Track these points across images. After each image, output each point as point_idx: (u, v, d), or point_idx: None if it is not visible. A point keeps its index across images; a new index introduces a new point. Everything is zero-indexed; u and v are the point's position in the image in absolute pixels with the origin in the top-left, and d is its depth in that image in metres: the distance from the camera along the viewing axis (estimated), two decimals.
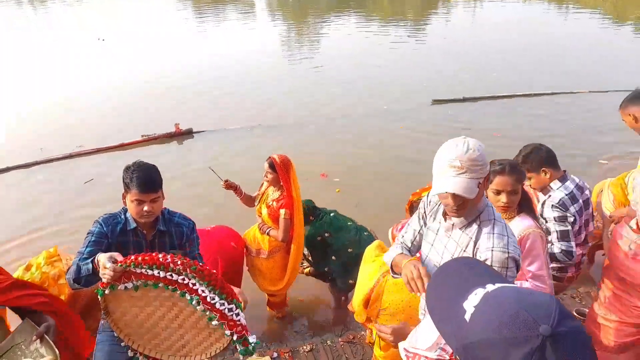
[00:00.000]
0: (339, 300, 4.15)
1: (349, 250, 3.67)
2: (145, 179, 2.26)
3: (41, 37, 15.31)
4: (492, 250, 1.71)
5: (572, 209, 2.70)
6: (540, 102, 8.70)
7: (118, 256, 1.95)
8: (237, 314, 1.95)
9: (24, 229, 5.36)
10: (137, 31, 15.79)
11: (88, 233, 2.34)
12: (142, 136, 7.45)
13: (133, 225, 2.36)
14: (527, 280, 2.30)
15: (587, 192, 2.89)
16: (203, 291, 1.89)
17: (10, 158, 6.94)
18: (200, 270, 1.89)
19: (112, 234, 2.33)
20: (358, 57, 12.18)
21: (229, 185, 3.68)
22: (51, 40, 14.69)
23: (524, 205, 2.36)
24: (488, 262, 1.71)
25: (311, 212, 3.78)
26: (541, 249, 2.26)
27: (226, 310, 1.92)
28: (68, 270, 2.22)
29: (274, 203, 3.52)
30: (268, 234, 3.60)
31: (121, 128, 7.91)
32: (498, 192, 2.29)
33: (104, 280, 1.95)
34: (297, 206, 3.54)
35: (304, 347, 3.56)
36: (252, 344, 2.00)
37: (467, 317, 0.94)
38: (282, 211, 3.47)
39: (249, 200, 3.80)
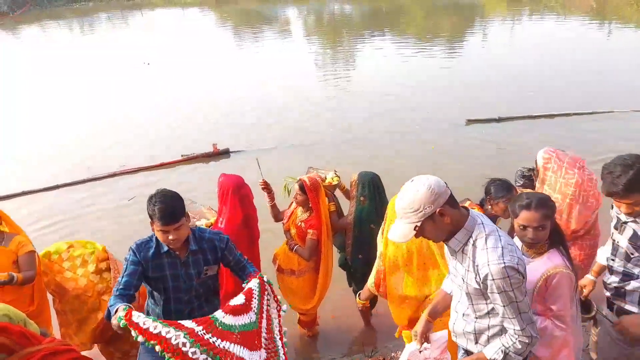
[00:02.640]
0: (368, 320, 4.18)
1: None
2: (166, 212, 2.34)
3: (91, 61, 16.19)
4: (488, 265, 1.79)
5: None
6: (578, 122, 8.52)
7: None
8: None
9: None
10: (180, 54, 16.45)
11: (124, 260, 2.49)
12: (182, 156, 7.76)
13: (165, 248, 2.47)
14: (549, 319, 2.23)
15: None
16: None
17: (60, 176, 7.37)
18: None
19: (144, 260, 2.46)
20: (391, 76, 12.27)
21: (266, 185, 3.76)
22: (100, 64, 15.50)
23: (555, 241, 2.24)
24: (489, 277, 1.79)
25: (375, 188, 3.60)
26: (567, 289, 2.16)
27: None
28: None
29: (303, 224, 3.61)
30: (295, 251, 3.67)
31: (162, 148, 8.26)
32: (524, 228, 2.18)
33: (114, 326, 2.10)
34: (326, 229, 3.60)
35: None
36: None
37: None
38: (310, 231, 3.55)
39: (277, 212, 3.87)
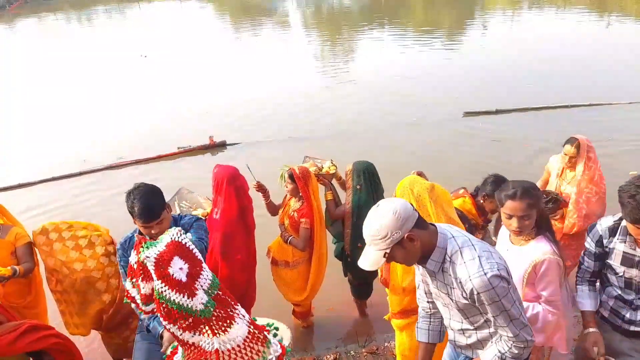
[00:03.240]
0: (363, 311, 4.19)
1: None
2: (145, 210, 2.32)
3: (88, 54, 16.11)
4: (470, 280, 1.75)
5: None
6: (574, 114, 8.50)
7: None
8: None
9: None
10: (177, 47, 16.38)
11: (119, 263, 2.54)
12: (178, 148, 7.75)
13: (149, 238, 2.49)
14: (540, 304, 2.28)
15: None
16: None
17: (57, 168, 7.36)
18: None
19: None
20: (389, 69, 12.22)
21: (260, 187, 3.80)
22: (97, 57, 15.43)
23: (542, 227, 2.26)
24: (475, 292, 1.75)
25: (370, 177, 3.64)
26: (556, 275, 2.19)
27: None
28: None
29: (295, 213, 3.62)
30: (290, 242, 3.68)
31: (159, 141, 8.23)
32: (509, 217, 2.20)
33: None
34: (318, 218, 3.62)
35: (328, 356, 3.62)
36: None
37: None
38: (303, 220, 3.57)
39: (273, 208, 3.91)
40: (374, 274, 3.59)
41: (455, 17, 21.01)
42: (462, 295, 1.83)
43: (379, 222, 1.75)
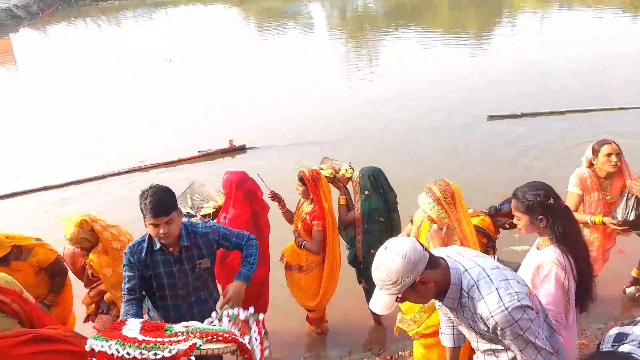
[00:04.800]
0: (378, 318, 4.11)
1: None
2: (156, 204, 2.35)
3: (114, 58, 16.51)
4: (492, 317, 1.68)
5: None
6: (604, 118, 8.21)
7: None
8: None
9: None
10: (202, 50, 16.61)
11: (123, 266, 2.54)
12: (199, 152, 7.82)
13: (158, 245, 2.50)
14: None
15: None
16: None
17: (79, 171, 7.52)
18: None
19: (138, 262, 2.50)
20: (414, 71, 12.11)
21: (275, 196, 3.79)
22: (124, 61, 15.79)
23: (557, 239, 2.20)
24: (498, 328, 1.69)
25: (376, 181, 3.60)
26: (555, 284, 2.14)
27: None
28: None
29: (307, 216, 3.60)
30: (304, 247, 3.65)
31: (180, 144, 8.33)
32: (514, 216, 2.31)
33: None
34: (330, 220, 3.59)
35: None
36: None
37: None
38: (315, 222, 3.55)
39: (290, 216, 3.89)
40: None
41: (482, 18, 20.66)
42: (485, 329, 1.77)
43: (389, 267, 1.66)
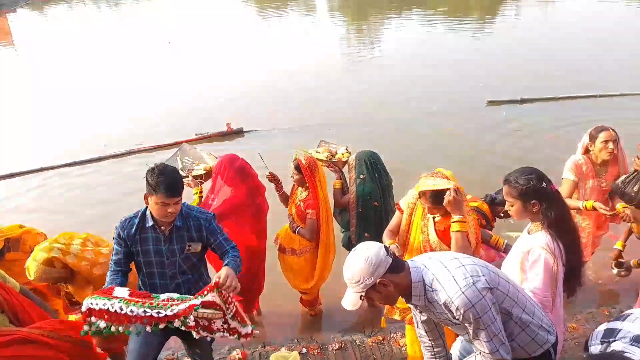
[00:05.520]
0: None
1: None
2: (171, 184, 2.37)
3: (113, 40, 16.35)
4: (453, 302, 1.79)
5: None
6: (605, 104, 8.16)
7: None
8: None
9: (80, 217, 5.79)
10: (201, 32, 16.43)
11: (113, 239, 2.56)
12: (196, 135, 7.79)
13: (151, 222, 2.51)
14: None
15: None
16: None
17: (77, 152, 7.53)
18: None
19: (128, 237, 2.52)
20: (415, 55, 11.98)
21: (273, 177, 3.79)
22: (123, 43, 15.65)
23: (548, 224, 2.22)
24: (458, 312, 1.78)
25: (373, 166, 3.62)
26: (544, 269, 2.16)
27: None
28: None
29: (302, 203, 3.61)
30: (298, 233, 3.68)
31: (177, 127, 8.30)
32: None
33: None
34: (325, 209, 3.60)
35: (333, 345, 3.60)
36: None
37: None
38: (309, 211, 3.56)
39: (286, 199, 3.90)
40: None
41: (486, 3, 20.36)
42: (452, 319, 1.86)
43: (353, 268, 1.86)
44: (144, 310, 1.99)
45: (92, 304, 2.05)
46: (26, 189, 6.80)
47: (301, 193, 3.65)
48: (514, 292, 1.92)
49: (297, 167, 3.53)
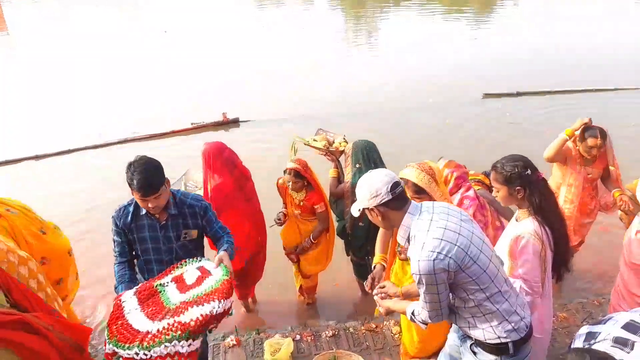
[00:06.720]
0: (365, 290, 4.18)
1: None
2: (144, 183, 2.31)
3: (109, 28, 16.21)
4: (413, 261, 1.91)
5: None
6: (601, 98, 8.20)
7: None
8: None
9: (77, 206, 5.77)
10: (198, 21, 16.34)
11: (111, 231, 2.57)
12: (192, 124, 7.78)
13: (145, 210, 2.50)
14: (520, 279, 2.28)
15: None
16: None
17: (71, 141, 7.47)
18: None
19: (124, 226, 2.53)
20: (413, 48, 11.99)
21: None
22: (119, 31, 15.52)
23: (535, 210, 2.26)
24: (412, 272, 1.92)
25: (369, 155, 3.63)
26: (532, 255, 2.21)
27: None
28: None
29: (305, 202, 3.68)
30: (314, 236, 3.77)
31: (173, 116, 8.26)
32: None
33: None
34: (326, 197, 3.77)
35: (327, 332, 3.64)
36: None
37: None
38: (317, 206, 3.66)
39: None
40: (374, 253, 3.57)
41: None
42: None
43: (361, 187, 2.05)
44: (165, 346, 2.03)
45: (118, 351, 2.09)
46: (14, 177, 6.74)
47: (297, 195, 3.69)
48: (486, 279, 1.93)
49: (297, 175, 3.55)
